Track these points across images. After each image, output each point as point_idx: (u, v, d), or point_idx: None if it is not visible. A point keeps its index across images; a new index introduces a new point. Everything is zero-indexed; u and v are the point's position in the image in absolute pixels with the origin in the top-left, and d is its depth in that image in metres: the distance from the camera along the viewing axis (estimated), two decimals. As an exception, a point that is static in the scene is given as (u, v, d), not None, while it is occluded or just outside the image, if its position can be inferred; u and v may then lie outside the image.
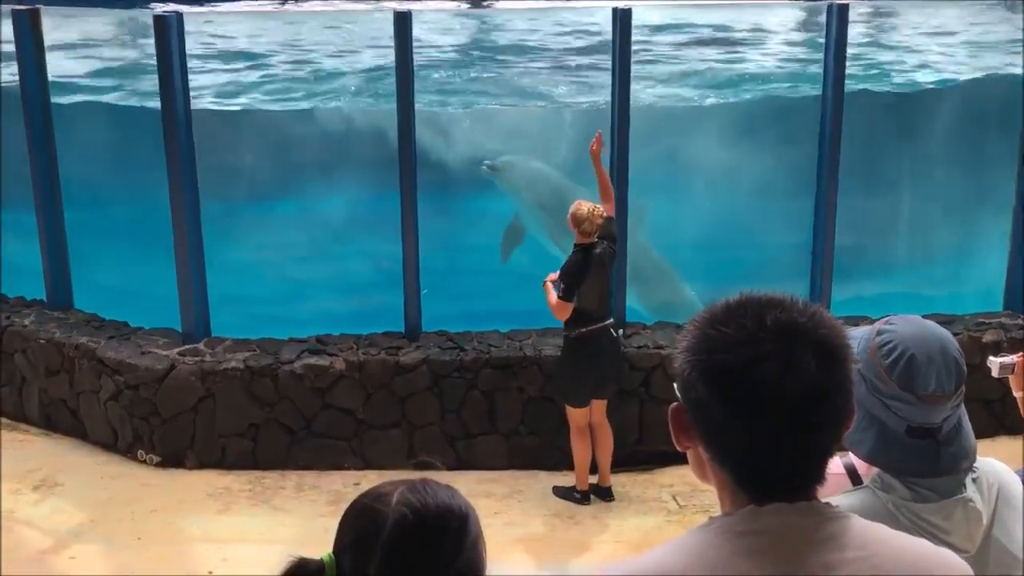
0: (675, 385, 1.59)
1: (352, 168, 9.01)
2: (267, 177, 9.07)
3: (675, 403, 1.60)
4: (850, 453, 2.20)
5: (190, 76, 7.47)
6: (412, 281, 7.64)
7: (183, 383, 7.34)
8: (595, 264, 6.54)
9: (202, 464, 7.40)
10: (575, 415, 6.78)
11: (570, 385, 6.78)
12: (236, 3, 11.46)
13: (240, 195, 8.82)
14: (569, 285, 6.49)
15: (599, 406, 6.83)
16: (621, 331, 7.33)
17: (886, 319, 2.16)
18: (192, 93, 7.54)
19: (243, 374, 7.34)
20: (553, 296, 6.56)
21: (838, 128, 7.70)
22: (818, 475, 1.56)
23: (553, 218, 8.49)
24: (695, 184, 9.16)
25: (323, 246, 8.90)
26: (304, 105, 9.78)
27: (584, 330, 6.60)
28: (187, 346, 7.60)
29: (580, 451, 6.81)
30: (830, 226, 7.86)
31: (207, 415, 7.37)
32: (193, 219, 7.59)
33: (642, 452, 7.37)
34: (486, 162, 9.10)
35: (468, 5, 9.92)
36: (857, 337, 2.15)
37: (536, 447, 7.41)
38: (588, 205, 6.51)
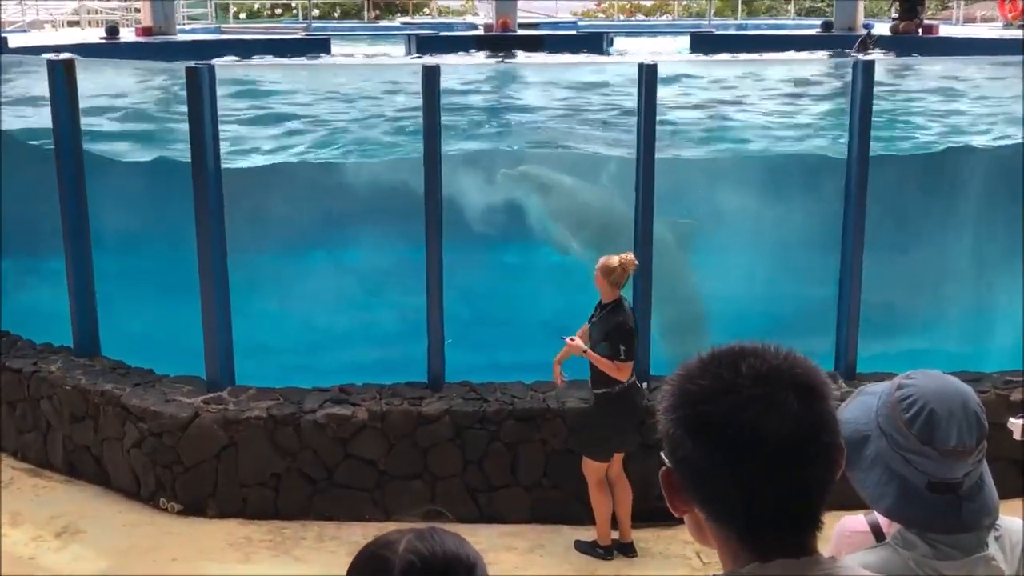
0: (662, 452, 1.61)
1: (380, 219, 9.09)
2: (294, 228, 9.15)
3: (664, 468, 1.62)
4: (874, 511, 2.20)
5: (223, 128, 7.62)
6: (436, 331, 7.69)
7: (206, 431, 7.40)
8: (594, 318, 6.61)
9: (223, 513, 7.42)
10: (594, 468, 6.76)
11: (600, 439, 6.77)
12: (268, 59, 11.74)
13: (268, 246, 8.90)
14: (629, 344, 6.53)
15: (617, 459, 6.82)
16: (645, 384, 7.33)
17: (907, 374, 2.18)
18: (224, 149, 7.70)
19: (266, 423, 7.38)
20: (606, 362, 6.54)
21: (863, 184, 7.76)
22: (816, 520, 1.57)
23: (569, 228, 8.61)
24: (719, 237, 9.19)
25: (349, 297, 8.95)
26: (334, 158, 9.90)
27: (624, 385, 6.59)
28: (211, 394, 7.67)
29: (601, 505, 6.79)
30: (855, 281, 7.88)
31: (229, 464, 7.42)
32: (220, 268, 7.70)
33: (665, 507, 7.31)
34: (503, 171, 9.24)
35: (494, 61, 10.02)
36: (877, 392, 2.17)
37: (559, 500, 7.39)
38: (617, 257, 6.51)
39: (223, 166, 7.70)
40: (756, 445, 1.50)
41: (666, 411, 1.58)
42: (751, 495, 1.52)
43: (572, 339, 6.62)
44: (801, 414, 1.51)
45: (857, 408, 2.17)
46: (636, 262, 6.55)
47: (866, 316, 7.98)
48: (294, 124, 10.54)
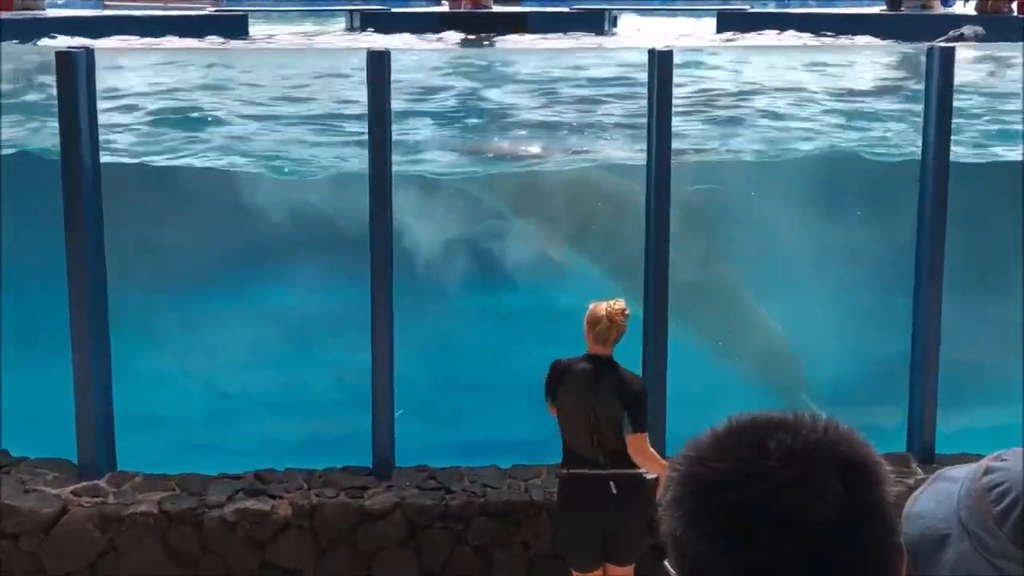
0: (665, 562, 1.60)
1: (311, 249, 9.11)
2: (197, 258, 9.15)
3: None
4: None
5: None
6: (384, 399, 7.66)
7: (78, 532, 7.32)
8: (580, 383, 6.43)
9: (99, 641, 7.35)
10: None
11: (563, 538, 6.79)
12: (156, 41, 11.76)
13: (161, 281, 8.89)
14: (546, 382, 6.53)
15: (619, 573, 6.75)
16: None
17: (997, 455, 2.18)
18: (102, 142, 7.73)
19: (157, 521, 7.32)
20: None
21: (942, 204, 7.81)
22: None
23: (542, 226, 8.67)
24: (754, 271, 9.28)
25: (268, 352, 8.93)
26: (250, 168, 9.92)
27: (564, 471, 6.56)
28: (84, 483, 7.59)
29: None
30: (933, 334, 7.91)
31: (108, 575, 7.32)
32: (97, 313, 7.66)
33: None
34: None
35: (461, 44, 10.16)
36: (959, 479, 2.16)
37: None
38: (606, 305, 6.51)
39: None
40: (791, 545, 1.49)
41: (671, 505, 1.57)
42: None
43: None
44: (849, 503, 1.51)
45: (933, 499, 2.17)
46: (627, 310, 6.54)
47: (947, 379, 8.01)
48: (196, 125, 10.57)
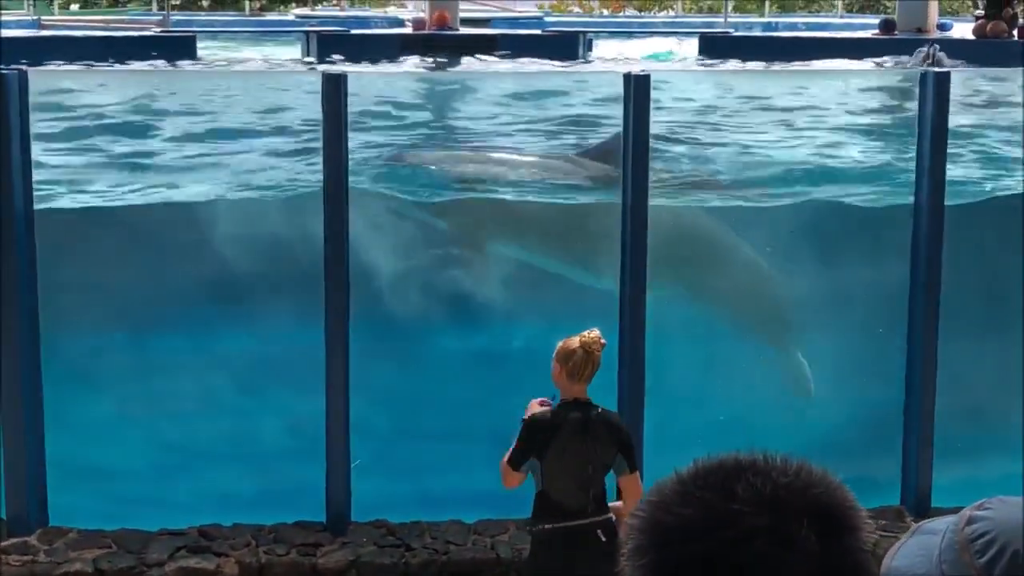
0: None
1: (259, 286, 9.09)
2: (135, 298, 9.12)
3: None
4: None
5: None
6: (339, 448, 7.64)
7: (4, 593, 7.26)
8: (572, 431, 6.37)
9: None
10: None
11: None
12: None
13: (98, 323, 8.86)
14: (520, 446, 6.29)
15: None
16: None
17: (979, 504, 2.18)
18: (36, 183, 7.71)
19: (92, 580, 7.25)
20: (506, 457, 6.49)
21: (937, 241, 7.87)
22: None
23: None
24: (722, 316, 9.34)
25: (213, 397, 8.90)
26: (194, 198, 9.92)
27: (548, 527, 6.49)
28: (13, 540, 7.53)
29: None
30: (929, 379, 7.96)
31: (37, 640, 7.28)
32: (28, 355, 7.63)
33: None
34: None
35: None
36: (940, 531, 2.17)
37: None
38: (579, 336, 6.48)
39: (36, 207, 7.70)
40: None
41: (632, 554, 1.58)
42: None
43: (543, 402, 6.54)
44: (822, 551, 1.52)
45: (913, 553, 2.16)
46: (603, 341, 6.50)
47: (943, 427, 8.05)
48: (136, 153, 10.58)
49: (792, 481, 1.56)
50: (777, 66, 14.51)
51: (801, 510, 1.53)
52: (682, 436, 8.45)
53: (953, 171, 8.25)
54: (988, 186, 10.31)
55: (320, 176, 7.68)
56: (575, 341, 6.32)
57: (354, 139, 8.11)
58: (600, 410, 6.43)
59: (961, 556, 2.10)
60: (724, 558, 1.50)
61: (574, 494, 6.35)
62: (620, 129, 7.80)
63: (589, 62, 18.13)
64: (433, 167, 10.37)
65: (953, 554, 2.10)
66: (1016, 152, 10.20)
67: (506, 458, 6.33)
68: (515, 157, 10.77)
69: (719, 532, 1.51)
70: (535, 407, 6.38)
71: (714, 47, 18.83)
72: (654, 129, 7.97)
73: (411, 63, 16.30)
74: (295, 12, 30.05)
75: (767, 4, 30.48)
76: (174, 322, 9.32)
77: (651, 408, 7.82)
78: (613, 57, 18.84)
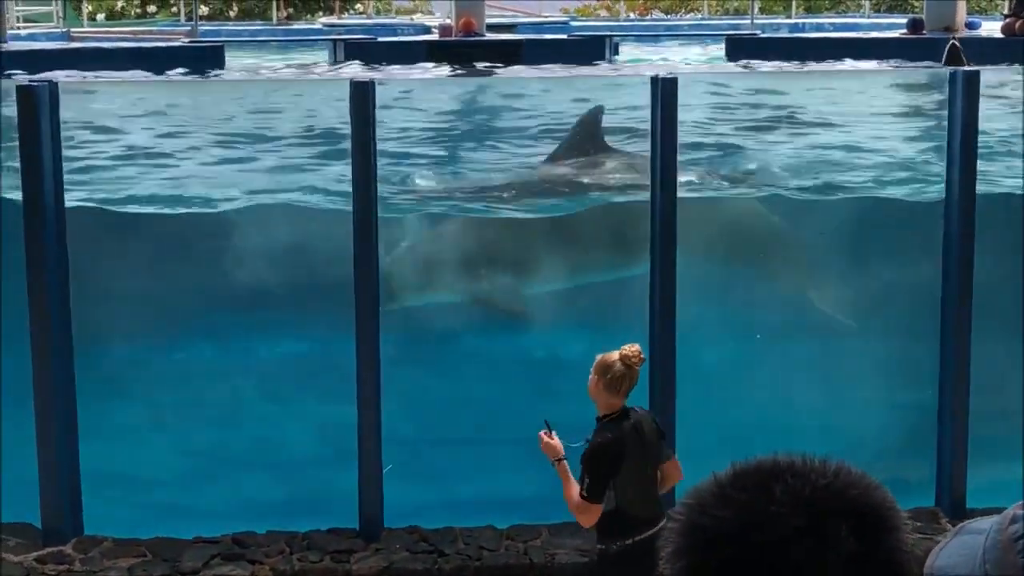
0: None
1: (289, 294, 9.11)
2: (168, 308, 9.15)
3: None
4: None
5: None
6: (370, 455, 7.66)
7: (40, 602, 7.29)
8: (633, 441, 6.35)
9: None
10: None
11: None
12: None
13: (129, 333, 8.89)
14: (596, 476, 6.17)
15: None
16: None
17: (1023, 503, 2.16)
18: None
19: (127, 589, 7.28)
20: (574, 489, 6.39)
21: (968, 240, 7.84)
22: None
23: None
24: (759, 314, 9.31)
25: (245, 406, 8.93)
26: (223, 205, 9.95)
27: (629, 542, 6.43)
28: (49, 549, 7.57)
29: None
30: (962, 377, 7.94)
31: (73, 649, 7.31)
32: (62, 365, 7.66)
33: None
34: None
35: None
36: (984, 530, 2.15)
37: None
38: (619, 351, 6.45)
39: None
40: None
41: (671, 557, 1.57)
42: None
43: (551, 435, 6.46)
44: (863, 552, 1.51)
45: (956, 553, 2.14)
46: (643, 355, 6.49)
47: (978, 429, 8.01)
48: (166, 160, 10.61)
49: (831, 482, 1.55)
50: (808, 66, 14.46)
51: (840, 511, 1.52)
52: (714, 439, 8.44)
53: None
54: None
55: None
56: (615, 355, 6.29)
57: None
58: (639, 411, 6.43)
59: (1006, 556, 2.08)
60: (762, 560, 1.50)
61: (648, 504, 6.34)
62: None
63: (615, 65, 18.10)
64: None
65: (997, 553, 2.08)
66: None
67: (577, 494, 6.18)
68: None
69: (757, 534, 1.51)
70: (545, 439, 6.31)
71: (741, 49, 18.79)
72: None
73: (440, 71, 16.31)
74: (322, 20, 30.08)
75: (794, 5, 30.36)
76: (202, 330, 9.36)
77: (683, 410, 7.82)
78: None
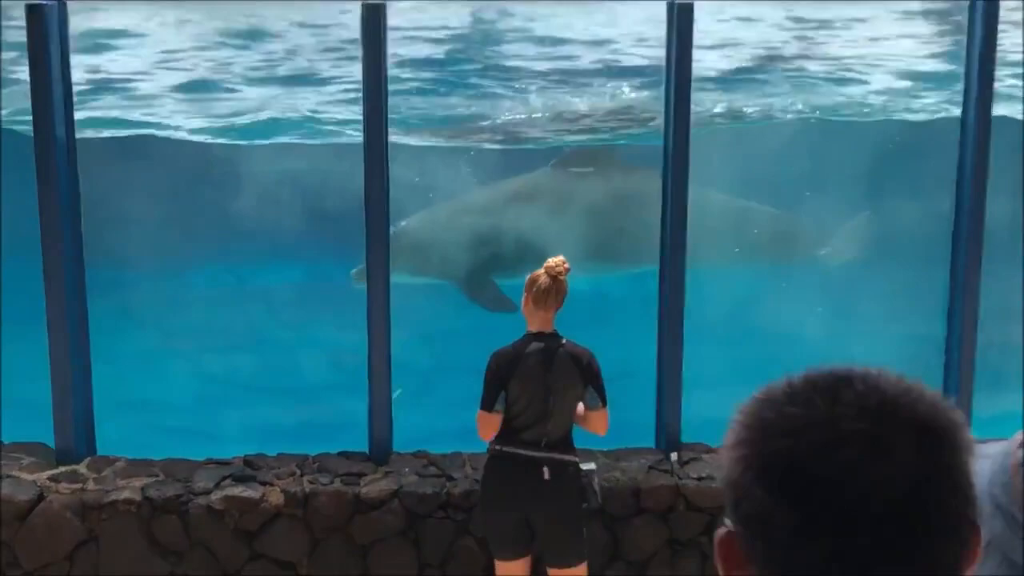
0: (725, 505, 1.61)
1: (300, 223, 9.13)
2: (180, 235, 9.18)
3: (722, 529, 1.61)
4: None
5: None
6: (380, 381, 7.71)
7: (55, 521, 7.37)
8: (534, 362, 6.42)
9: (79, 638, 7.42)
10: (497, 572, 6.74)
11: (484, 521, 6.78)
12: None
13: (142, 258, 8.92)
14: (486, 386, 6.46)
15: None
16: (675, 455, 7.43)
17: None
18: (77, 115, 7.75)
19: (140, 509, 7.37)
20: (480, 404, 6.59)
21: (982, 167, 7.83)
22: None
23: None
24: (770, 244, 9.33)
25: (256, 332, 8.97)
26: (232, 133, 9.95)
27: (498, 448, 6.54)
28: (62, 468, 7.65)
29: None
30: (971, 310, 7.95)
31: (88, 567, 7.39)
32: (75, 290, 7.71)
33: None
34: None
35: None
36: (991, 455, 2.18)
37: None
38: (546, 264, 6.47)
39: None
40: (853, 501, 1.49)
41: (732, 448, 1.59)
42: (842, 572, 1.51)
43: None
44: (921, 465, 1.51)
45: None
46: (567, 265, 6.44)
47: (985, 359, 8.04)
48: (175, 84, 10.58)
49: (901, 395, 1.55)
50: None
51: (904, 421, 1.52)
52: (721, 372, 8.51)
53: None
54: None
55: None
56: (541, 270, 6.35)
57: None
58: (566, 343, 6.44)
59: (1013, 479, 2.12)
60: (818, 458, 1.50)
61: (531, 425, 6.44)
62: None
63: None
64: None
65: (1005, 477, 2.11)
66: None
67: (479, 408, 6.47)
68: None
69: (817, 432, 1.51)
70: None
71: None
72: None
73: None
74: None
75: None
76: (213, 256, 9.38)
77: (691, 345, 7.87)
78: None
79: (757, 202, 10.36)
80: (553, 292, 6.34)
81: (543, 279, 6.34)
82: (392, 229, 9.45)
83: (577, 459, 6.46)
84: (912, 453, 1.51)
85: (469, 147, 10.75)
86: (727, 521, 1.60)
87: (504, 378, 6.40)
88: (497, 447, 6.52)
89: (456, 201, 10.34)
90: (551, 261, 6.39)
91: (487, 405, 6.44)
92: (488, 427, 6.49)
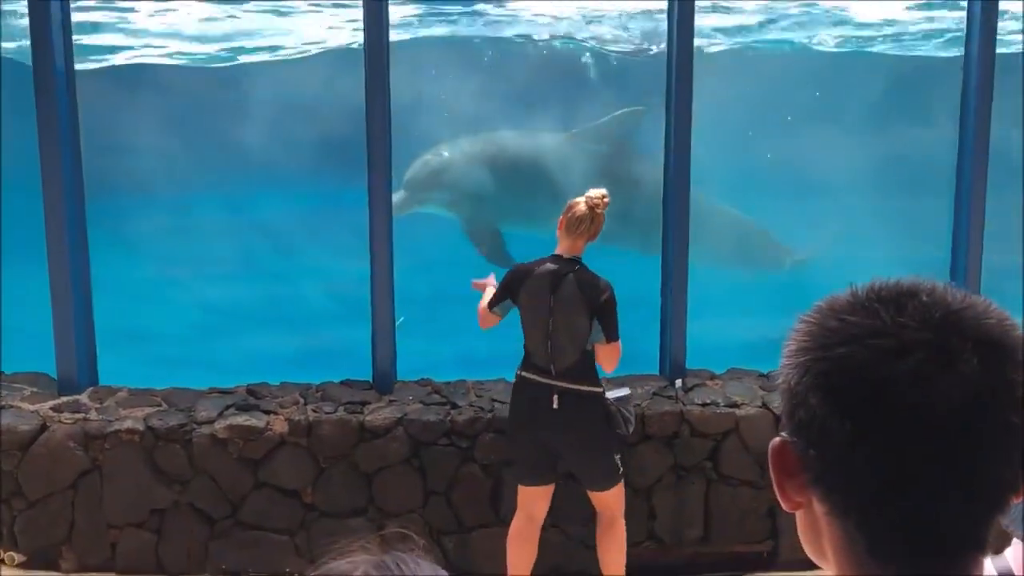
0: (781, 414, 1.61)
1: (300, 152, 9.09)
2: (180, 163, 9.15)
3: (777, 438, 1.61)
4: (1007, 554, 2.18)
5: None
6: (383, 309, 7.71)
7: (59, 451, 7.40)
8: (540, 282, 6.47)
9: (84, 566, 7.44)
10: (519, 498, 6.80)
11: (509, 446, 6.88)
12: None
13: (141, 187, 8.89)
14: (498, 288, 6.65)
15: (599, 500, 6.75)
16: (679, 383, 7.46)
17: None
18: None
19: (143, 439, 7.39)
20: (485, 300, 6.74)
21: (988, 98, 7.79)
22: (982, 539, 1.55)
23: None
24: (781, 172, 9.29)
25: (258, 261, 8.95)
26: (221, 57, 9.88)
27: (519, 372, 6.64)
28: (64, 398, 7.67)
29: (511, 559, 6.79)
30: (976, 236, 7.96)
31: (91, 496, 7.43)
32: (75, 220, 7.70)
33: (708, 556, 7.42)
34: None
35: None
36: None
37: (558, 546, 7.45)
38: (584, 196, 6.50)
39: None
40: (912, 410, 1.49)
41: (792, 355, 1.58)
42: (898, 485, 1.51)
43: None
44: (984, 378, 1.49)
45: None
46: (607, 199, 6.46)
47: (991, 283, 8.04)
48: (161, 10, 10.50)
49: (966, 308, 1.53)
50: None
51: (968, 334, 1.51)
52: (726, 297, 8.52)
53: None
54: None
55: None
56: (582, 198, 6.40)
57: None
58: (579, 269, 6.44)
59: None
60: (880, 365, 1.50)
61: (539, 349, 6.50)
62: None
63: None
64: None
65: None
66: None
67: (484, 300, 6.68)
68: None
69: (879, 340, 1.51)
70: (477, 283, 6.91)
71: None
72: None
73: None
74: None
75: None
76: (212, 185, 9.35)
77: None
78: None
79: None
80: (587, 222, 6.38)
81: (580, 207, 6.39)
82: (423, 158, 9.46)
83: (595, 389, 6.46)
84: (975, 365, 1.49)
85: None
86: (783, 430, 1.60)
87: (514, 290, 6.53)
88: (518, 371, 6.62)
89: (486, 139, 10.26)
90: (593, 192, 6.43)
91: (490, 303, 6.65)
92: (482, 321, 6.74)
